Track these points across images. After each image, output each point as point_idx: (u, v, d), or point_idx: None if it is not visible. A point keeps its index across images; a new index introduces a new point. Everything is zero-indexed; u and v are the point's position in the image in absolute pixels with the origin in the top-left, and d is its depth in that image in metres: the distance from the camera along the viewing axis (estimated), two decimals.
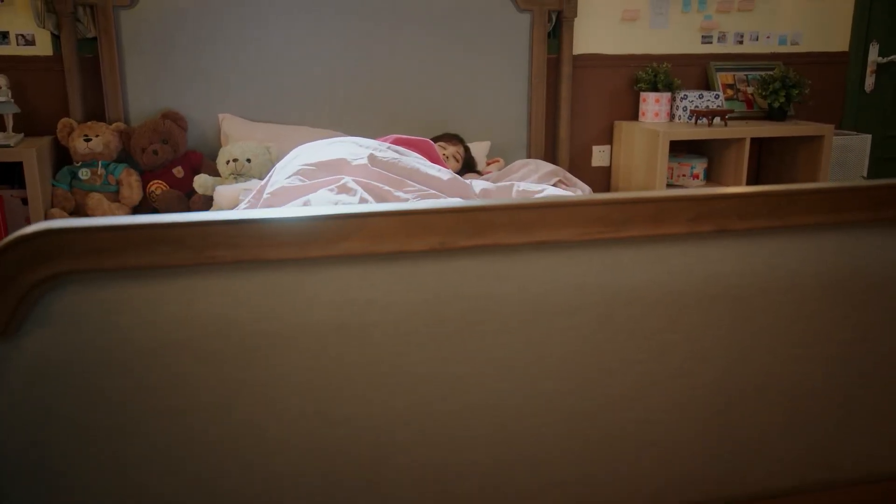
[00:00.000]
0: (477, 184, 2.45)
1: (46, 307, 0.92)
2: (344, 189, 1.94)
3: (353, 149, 2.20)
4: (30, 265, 0.88)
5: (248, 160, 2.71)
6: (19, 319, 0.90)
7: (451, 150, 2.94)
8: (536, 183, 2.63)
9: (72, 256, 0.92)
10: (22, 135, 2.75)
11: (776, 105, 3.43)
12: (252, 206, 2.18)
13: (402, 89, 3.19)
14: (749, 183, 3.69)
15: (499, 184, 2.50)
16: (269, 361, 0.99)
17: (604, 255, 1.12)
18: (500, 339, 1.07)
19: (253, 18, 2.98)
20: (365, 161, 2.11)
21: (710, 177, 3.51)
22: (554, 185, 2.73)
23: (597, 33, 3.45)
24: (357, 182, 1.98)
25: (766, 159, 3.74)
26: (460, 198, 2.22)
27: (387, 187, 2.00)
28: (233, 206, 2.43)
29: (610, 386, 1.14)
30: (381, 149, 2.23)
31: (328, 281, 1.01)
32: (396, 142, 2.57)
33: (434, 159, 2.56)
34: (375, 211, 1.01)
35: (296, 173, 2.08)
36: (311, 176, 2.07)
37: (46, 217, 2.59)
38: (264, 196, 2.09)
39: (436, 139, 3.03)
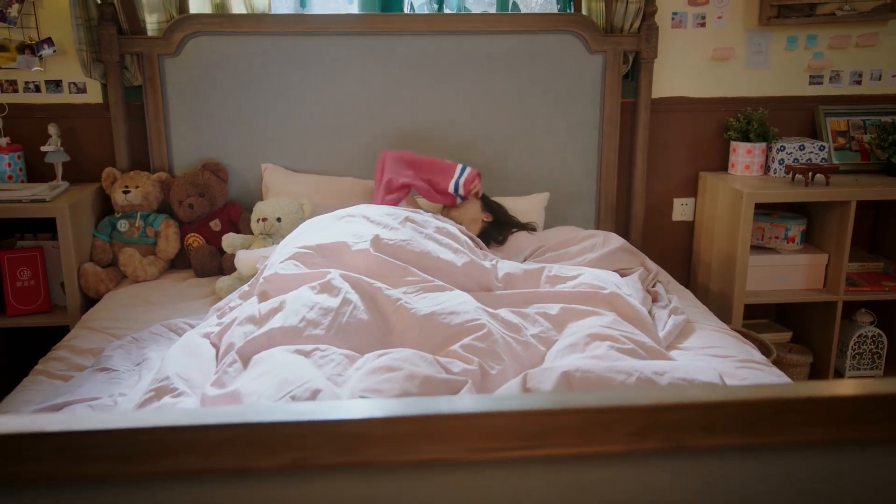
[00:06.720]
0: (503, 266, 2.18)
1: None
2: (327, 288, 1.76)
3: (359, 228, 2.01)
4: None
5: (279, 219, 2.59)
6: None
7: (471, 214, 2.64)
8: (578, 264, 2.32)
9: None
10: (66, 184, 2.75)
11: (895, 160, 2.96)
12: (254, 285, 2.05)
13: (457, 136, 2.97)
14: (860, 248, 3.22)
15: (527, 266, 2.20)
16: None
17: (510, 477, 0.87)
18: None
19: (297, 65, 2.85)
20: (367, 246, 1.92)
21: (810, 240, 3.07)
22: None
23: (681, 74, 3.08)
24: (346, 277, 1.79)
25: (886, 219, 3.24)
26: (475, 286, 1.99)
27: (377, 284, 1.80)
28: (251, 274, 2.32)
29: None
30: (391, 225, 2.03)
31: None
32: (403, 159, 2.55)
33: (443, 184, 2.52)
34: (215, 423, 0.84)
35: (291, 257, 1.93)
36: (306, 261, 1.91)
37: (79, 271, 2.58)
38: (260, 280, 1.96)
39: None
